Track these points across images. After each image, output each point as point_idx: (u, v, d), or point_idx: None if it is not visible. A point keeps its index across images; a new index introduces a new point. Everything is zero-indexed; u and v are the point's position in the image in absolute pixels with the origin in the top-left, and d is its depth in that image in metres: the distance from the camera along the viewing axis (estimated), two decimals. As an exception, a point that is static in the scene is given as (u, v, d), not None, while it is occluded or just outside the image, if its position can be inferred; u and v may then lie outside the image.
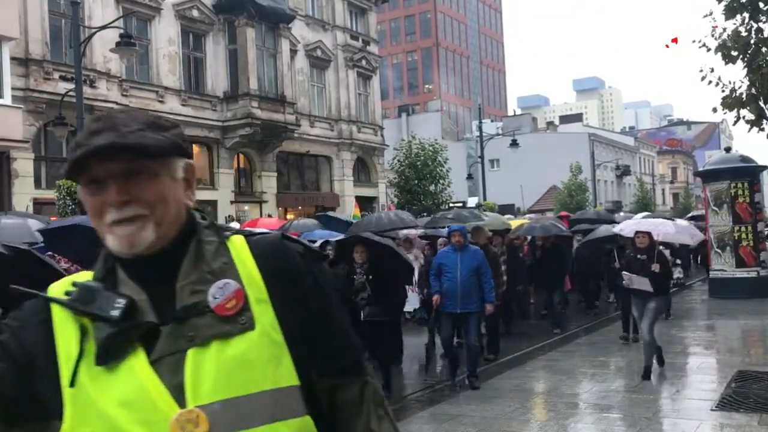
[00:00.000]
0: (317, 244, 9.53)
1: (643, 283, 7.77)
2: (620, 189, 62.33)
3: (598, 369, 8.67)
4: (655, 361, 8.14)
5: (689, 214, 26.38)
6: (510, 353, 9.82)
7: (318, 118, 28.70)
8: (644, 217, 14.24)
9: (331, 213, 19.81)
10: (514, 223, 16.24)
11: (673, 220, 14.08)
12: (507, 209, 36.09)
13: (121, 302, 1.13)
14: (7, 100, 16.75)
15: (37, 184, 18.25)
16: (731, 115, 8.53)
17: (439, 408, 7.03)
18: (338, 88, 29.62)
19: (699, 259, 22.63)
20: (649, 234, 8.13)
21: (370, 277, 7.45)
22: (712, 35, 8.40)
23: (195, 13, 23.17)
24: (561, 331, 11.69)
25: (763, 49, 8.14)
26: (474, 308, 7.72)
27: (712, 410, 6.49)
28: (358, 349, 1.32)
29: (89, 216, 1.21)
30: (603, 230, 12.33)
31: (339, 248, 8.25)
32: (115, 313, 1.12)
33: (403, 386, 8.47)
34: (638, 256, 8.04)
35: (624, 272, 8.12)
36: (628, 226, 9.46)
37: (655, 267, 7.86)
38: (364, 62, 30.98)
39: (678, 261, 11.50)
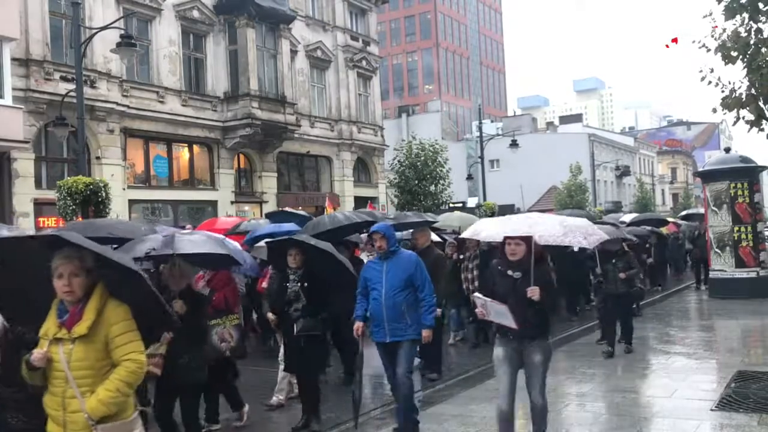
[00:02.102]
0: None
1: (501, 315, 5.12)
2: (620, 189, 62.34)
3: (598, 369, 8.68)
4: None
5: (683, 213, 25.81)
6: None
7: (318, 119, 28.72)
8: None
9: (287, 209, 18.35)
10: None
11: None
12: (507, 209, 36.10)
13: None
14: (8, 100, 16.77)
15: (38, 184, 18.26)
16: (731, 116, 8.51)
17: (439, 408, 7.04)
18: (338, 89, 29.64)
19: (690, 261, 20.70)
20: (526, 240, 5.27)
21: (305, 284, 6.42)
22: (712, 36, 8.39)
23: (195, 13, 23.18)
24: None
25: (763, 50, 8.12)
26: (408, 335, 5.98)
27: (711, 410, 6.51)
28: None
29: None
30: None
31: (271, 252, 7.17)
32: None
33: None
34: (509, 271, 5.31)
35: (476, 294, 5.45)
36: (487, 229, 5.97)
37: (533, 292, 5.07)
38: (364, 63, 31.00)
39: (633, 268, 10.64)
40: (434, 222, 12.04)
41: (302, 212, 15.99)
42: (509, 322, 5.06)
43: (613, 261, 9.64)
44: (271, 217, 14.16)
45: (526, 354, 5.23)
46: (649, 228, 18.25)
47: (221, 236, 7.48)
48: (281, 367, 7.26)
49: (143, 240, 6.11)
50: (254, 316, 10.62)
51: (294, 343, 6.45)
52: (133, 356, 3.38)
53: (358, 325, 6.18)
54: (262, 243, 8.82)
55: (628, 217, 20.93)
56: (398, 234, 11.02)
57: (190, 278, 5.67)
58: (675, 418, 6.38)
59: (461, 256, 10.97)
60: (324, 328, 6.55)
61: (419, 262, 6.15)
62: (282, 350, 7.24)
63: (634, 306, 12.46)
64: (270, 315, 7.06)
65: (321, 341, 6.59)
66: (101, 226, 7.48)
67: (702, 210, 23.93)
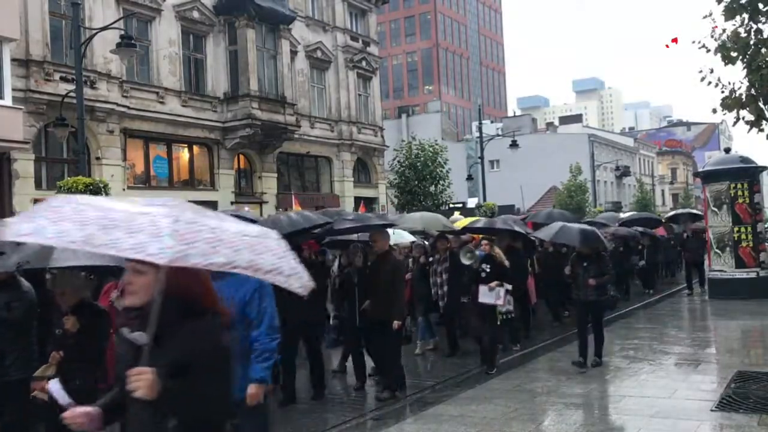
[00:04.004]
0: None
1: None
2: (620, 190, 62.34)
3: (598, 370, 8.66)
4: None
5: (669, 214, 25.07)
6: (509, 354, 9.83)
7: (318, 119, 28.72)
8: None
9: (246, 212, 17.53)
10: (461, 223, 13.37)
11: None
12: (507, 210, 36.09)
13: None
14: (8, 101, 16.76)
15: (38, 185, 18.25)
16: (731, 116, 8.51)
17: (440, 408, 7.04)
18: (338, 89, 29.64)
19: (685, 262, 19.19)
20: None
21: None
22: (712, 36, 8.39)
23: (195, 14, 23.18)
24: (520, 347, 10.32)
25: (763, 50, 8.13)
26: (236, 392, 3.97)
27: (711, 411, 6.51)
28: None
29: None
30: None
31: None
32: None
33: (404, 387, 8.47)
34: (124, 330, 2.54)
35: (51, 383, 3.71)
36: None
37: (137, 379, 2.17)
38: (364, 63, 31.01)
39: (509, 287, 8.75)
40: (394, 225, 10.91)
41: (250, 216, 15.09)
42: None
43: (585, 264, 8.71)
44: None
45: None
46: (641, 229, 18.08)
47: None
48: None
49: (19, 249, 4.92)
50: None
51: None
52: None
53: None
54: None
55: (627, 215, 20.80)
56: (354, 236, 9.45)
57: (83, 292, 4.94)
58: (675, 419, 6.38)
59: (430, 259, 10.46)
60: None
61: (262, 288, 4.13)
62: None
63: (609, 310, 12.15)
64: None
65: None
66: None
67: (689, 210, 23.86)
